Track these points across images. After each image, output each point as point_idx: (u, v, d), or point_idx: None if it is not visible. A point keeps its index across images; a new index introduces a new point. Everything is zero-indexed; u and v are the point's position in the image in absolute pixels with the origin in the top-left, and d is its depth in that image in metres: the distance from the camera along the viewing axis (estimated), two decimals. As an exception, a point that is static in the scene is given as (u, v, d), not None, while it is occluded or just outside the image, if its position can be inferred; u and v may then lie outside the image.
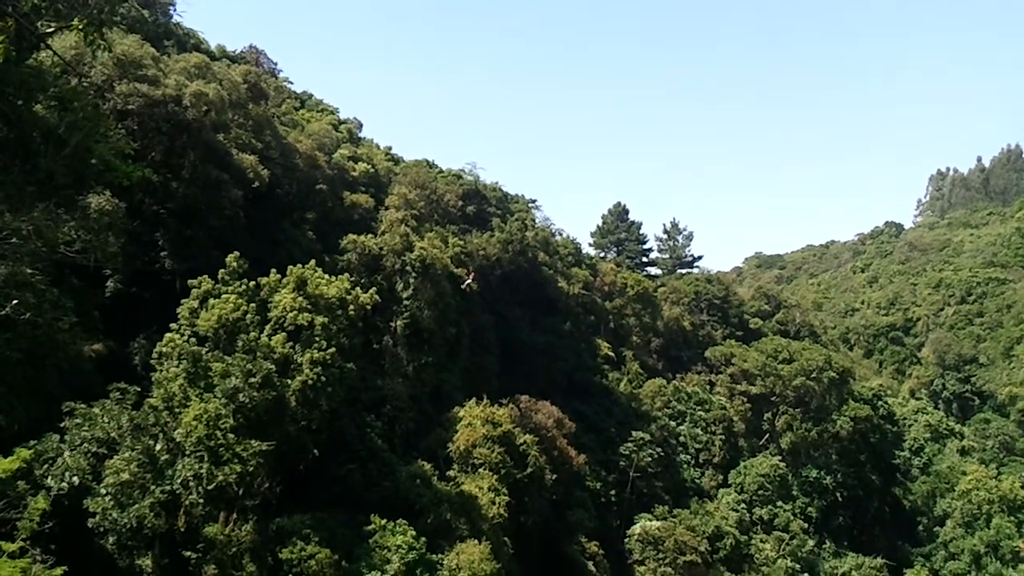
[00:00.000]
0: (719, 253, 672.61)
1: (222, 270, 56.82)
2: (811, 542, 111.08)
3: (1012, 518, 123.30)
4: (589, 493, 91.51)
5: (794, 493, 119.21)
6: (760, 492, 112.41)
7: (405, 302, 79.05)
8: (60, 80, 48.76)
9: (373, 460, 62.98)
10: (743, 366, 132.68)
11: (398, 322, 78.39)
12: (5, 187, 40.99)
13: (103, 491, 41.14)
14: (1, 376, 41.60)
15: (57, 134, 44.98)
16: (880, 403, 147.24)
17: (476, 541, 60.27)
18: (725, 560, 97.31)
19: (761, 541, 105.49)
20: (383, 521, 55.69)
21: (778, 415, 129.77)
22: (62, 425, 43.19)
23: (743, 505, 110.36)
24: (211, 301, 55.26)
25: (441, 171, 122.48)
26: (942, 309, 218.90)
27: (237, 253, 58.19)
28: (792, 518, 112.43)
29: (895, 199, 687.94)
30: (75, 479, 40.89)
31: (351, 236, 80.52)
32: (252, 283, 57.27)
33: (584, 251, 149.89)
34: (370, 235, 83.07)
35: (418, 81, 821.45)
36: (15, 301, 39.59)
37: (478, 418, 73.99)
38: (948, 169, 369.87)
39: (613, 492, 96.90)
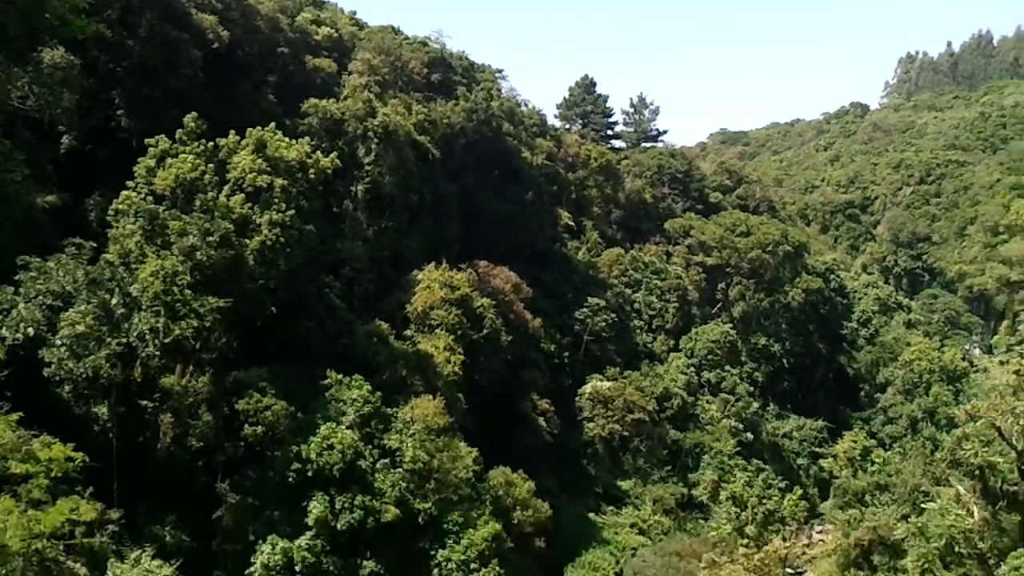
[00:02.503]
0: (684, 129, 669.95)
1: (180, 130, 55.96)
2: (756, 404, 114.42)
3: (950, 387, 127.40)
4: (543, 355, 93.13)
5: (742, 359, 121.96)
6: (709, 357, 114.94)
7: (367, 168, 78.20)
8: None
9: (331, 318, 63.45)
10: (701, 238, 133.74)
11: (359, 187, 77.75)
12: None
13: (58, 342, 41.41)
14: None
15: (7, -14, 43.43)
16: (832, 276, 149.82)
17: (431, 396, 61.53)
18: (671, 419, 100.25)
19: (707, 402, 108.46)
20: (339, 376, 56.58)
21: (732, 285, 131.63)
22: (16, 278, 43.09)
23: (692, 369, 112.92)
24: (168, 161, 54.63)
25: (407, 38, 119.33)
26: (900, 189, 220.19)
27: (195, 113, 57.19)
28: (739, 382, 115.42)
29: (863, 81, 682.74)
30: (30, 330, 41.08)
31: (312, 100, 79.01)
32: (210, 144, 56.42)
33: (549, 123, 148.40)
34: (332, 100, 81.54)
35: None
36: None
37: (437, 281, 74.35)
38: (918, 52, 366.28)
39: (567, 354, 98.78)
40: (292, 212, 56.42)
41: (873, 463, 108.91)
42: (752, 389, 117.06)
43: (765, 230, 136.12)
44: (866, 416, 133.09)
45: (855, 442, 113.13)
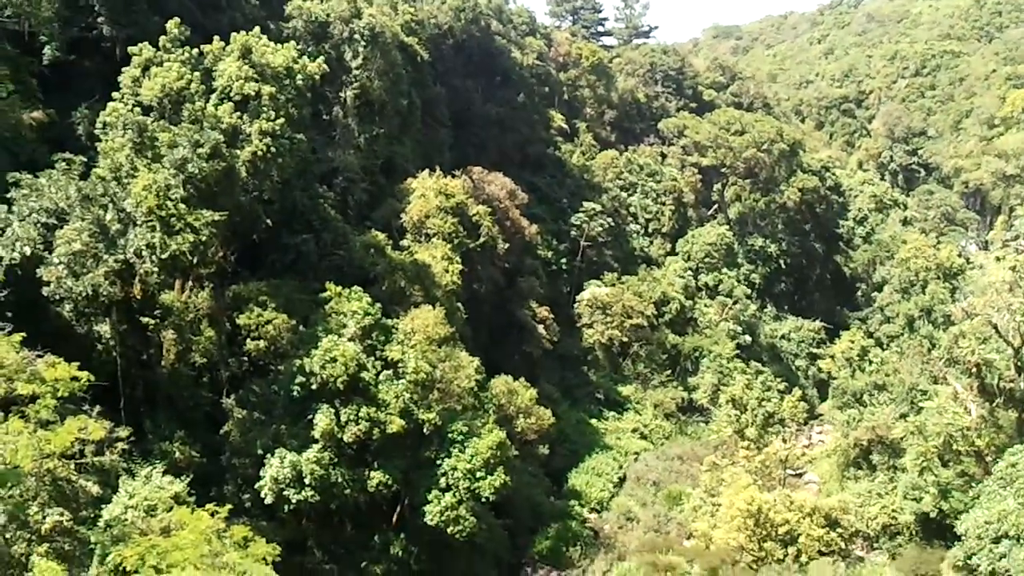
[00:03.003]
0: (676, 24, 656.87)
1: (163, 37, 54.52)
2: (753, 307, 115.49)
3: (947, 284, 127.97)
4: (540, 261, 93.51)
5: (739, 261, 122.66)
6: (706, 260, 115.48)
7: (355, 72, 76.73)
8: None
9: (326, 230, 63.19)
10: (695, 138, 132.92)
11: (348, 93, 76.50)
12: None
13: (56, 260, 41.12)
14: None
15: None
16: (828, 174, 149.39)
17: (430, 307, 61.81)
18: (670, 323, 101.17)
19: (705, 306, 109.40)
20: (338, 288, 56.50)
21: (727, 186, 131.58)
22: (8, 196, 42.63)
23: (689, 272, 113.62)
24: (154, 69, 53.41)
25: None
26: (895, 82, 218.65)
27: (178, 19, 55.66)
28: (736, 284, 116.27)
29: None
30: (26, 249, 40.74)
31: (296, 2, 76.79)
32: (195, 51, 55.20)
33: (539, 20, 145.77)
34: (316, 1, 79.56)
35: None
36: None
37: (431, 189, 73.96)
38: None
39: (564, 260, 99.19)
40: (282, 121, 55.48)
41: (871, 363, 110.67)
42: (749, 291, 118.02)
43: (760, 128, 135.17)
44: (863, 316, 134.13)
45: (852, 342, 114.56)
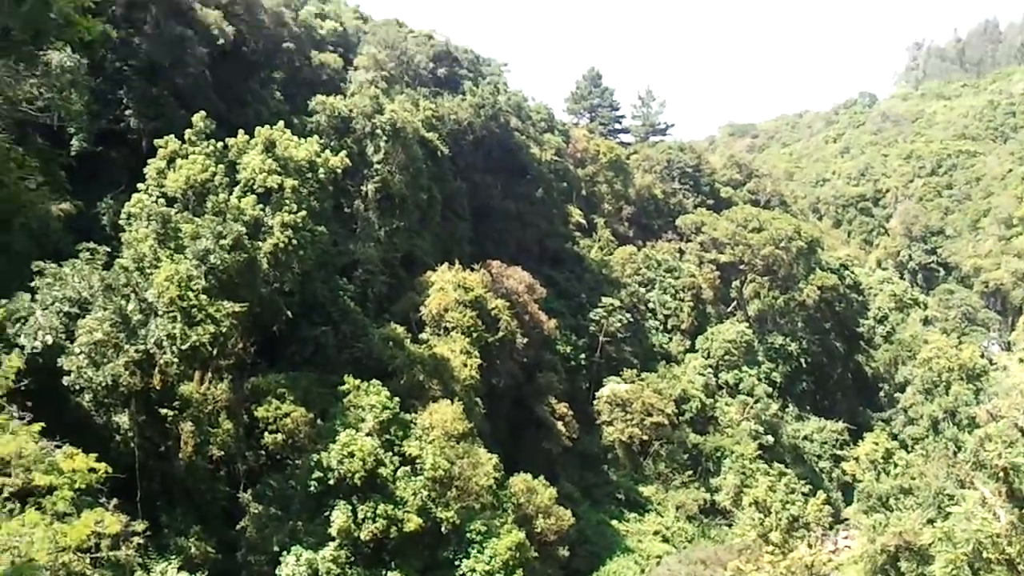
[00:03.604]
0: (692, 122, 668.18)
1: (189, 130, 55.89)
2: (775, 406, 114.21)
3: (970, 386, 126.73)
4: (559, 357, 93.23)
5: (759, 359, 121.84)
6: (726, 357, 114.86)
7: (376, 166, 78.14)
8: (15, -71, 46.59)
9: (346, 322, 63.52)
10: (713, 234, 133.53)
11: (369, 186, 77.69)
12: (-40, 43, 39.56)
13: (77, 350, 41.28)
14: (-33, 236, 41.12)
15: (13, -12, 43.19)
16: (847, 272, 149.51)
17: (449, 401, 61.49)
18: (691, 422, 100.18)
19: (726, 404, 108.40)
20: (357, 382, 56.44)
21: (746, 283, 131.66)
22: (32, 285, 43.01)
23: (709, 369, 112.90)
24: (179, 161, 54.53)
25: (412, 31, 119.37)
26: (912, 181, 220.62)
27: (204, 113, 57.13)
28: (757, 382, 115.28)
29: (872, 70, 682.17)
30: (48, 338, 40.98)
31: (320, 97, 78.88)
32: (220, 144, 56.41)
33: (557, 117, 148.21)
34: (339, 96, 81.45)
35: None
36: (-23, 161, 38.81)
37: (450, 283, 74.41)
38: (925, 40, 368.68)
39: (583, 356, 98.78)
40: (303, 213, 56.30)
41: (896, 465, 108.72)
42: (771, 390, 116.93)
43: (778, 225, 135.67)
44: (886, 417, 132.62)
45: (876, 444, 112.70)
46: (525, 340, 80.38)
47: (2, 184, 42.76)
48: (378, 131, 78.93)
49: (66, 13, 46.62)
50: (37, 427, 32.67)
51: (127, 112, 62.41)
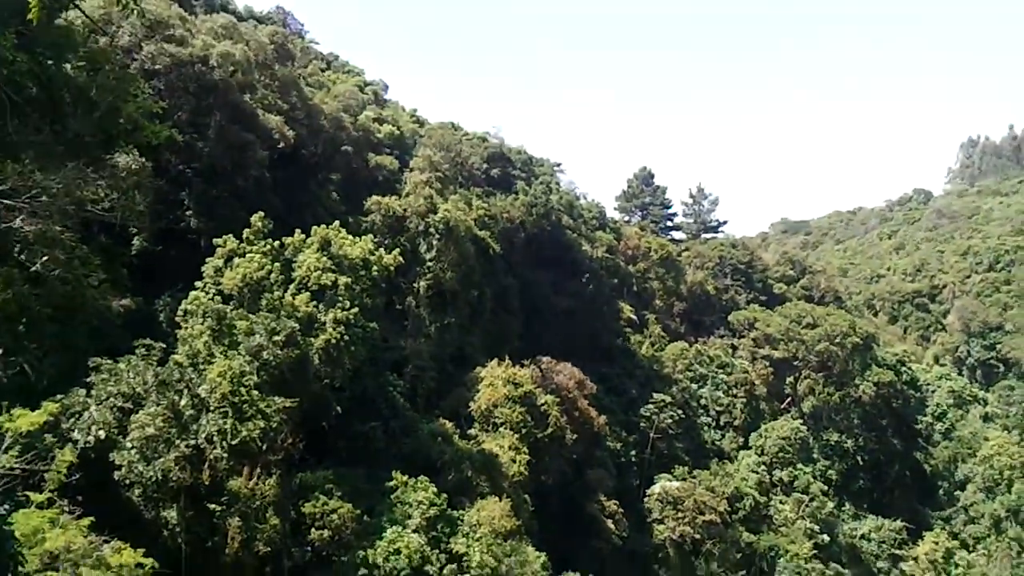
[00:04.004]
0: (744, 219, 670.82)
1: (247, 229, 57.21)
2: (831, 504, 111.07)
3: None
4: (609, 453, 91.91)
5: (814, 456, 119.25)
6: (780, 455, 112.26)
7: (428, 263, 79.11)
8: (89, 40, 48.77)
9: (395, 418, 63.49)
10: (766, 330, 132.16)
11: (421, 283, 78.52)
12: (36, 147, 41.08)
13: (129, 444, 41.72)
14: (30, 331, 41.91)
15: (87, 95, 44.91)
16: (904, 369, 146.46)
17: (497, 498, 60.85)
18: (744, 520, 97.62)
19: (780, 503, 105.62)
20: (405, 477, 56.18)
21: (800, 379, 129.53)
22: (88, 380, 43.72)
23: (763, 467, 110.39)
24: (236, 260, 55.70)
25: (466, 134, 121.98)
26: (969, 276, 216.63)
27: (262, 213, 58.51)
28: (812, 480, 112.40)
29: (925, 167, 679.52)
30: (101, 433, 41.43)
31: (375, 197, 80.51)
32: (277, 243, 57.63)
33: (608, 215, 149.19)
34: (394, 197, 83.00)
35: (444, 43, 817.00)
36: (45, 258, 39.90)
37: (500, 378, 74.22)
38: (979, 137, 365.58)
39: (633, 453, 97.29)
40: (356, 310, 56.87)
41: (957, 566, 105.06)
42: (826, 488, 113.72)
43: (832, 321, 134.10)
44: (946, 515, 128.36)
45: (936, 543, 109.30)
46: (575, 436, 79.52)
47: (66, 281, 43.68)
48: (431, 229, 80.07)
49: (135, 119, 48.31)
50: (86, 521, 32.85)
51: (188, 212, 64.25)
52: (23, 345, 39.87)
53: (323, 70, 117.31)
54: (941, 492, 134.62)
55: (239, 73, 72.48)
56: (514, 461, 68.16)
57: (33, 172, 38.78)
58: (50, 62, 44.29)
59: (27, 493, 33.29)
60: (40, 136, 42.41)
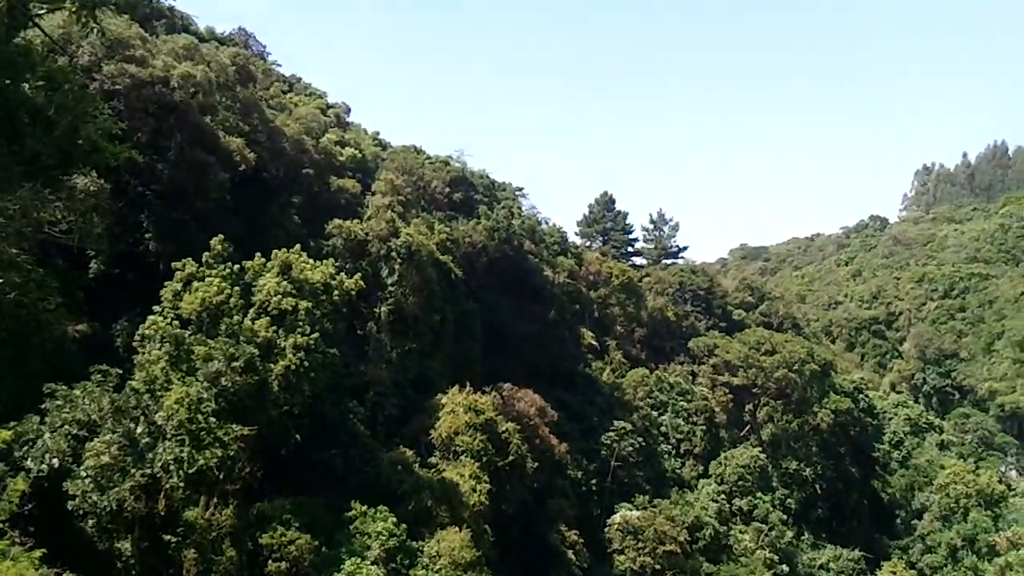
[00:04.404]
0: (704, 244, 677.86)
1: (206, 253, 56.57)
2: (790, 533, 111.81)
3: (989, 512, 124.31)
4: (570, 482, 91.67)
5: (774, 484, 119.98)
6: (740, 483, 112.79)
7: (390, 288, 78.79)
8: (48, 59, 48.22)
9: (355, 446, 63.04)
10: (726, 357, 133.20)
11: (383, 308, 78.19)
12: (-8, 167, 40.51)
13: (83, 474, 41.06)
14: (-17, 356, 41.30)
15: (45, 115, 44.36)
16: (861, 396, 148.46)
17: (457, 528, 60.44)
18: (704, 550, 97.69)
19: (740, 532, 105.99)
20: (364, 507, 55.77)
21: (759, 407, 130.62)
22: (43, 406, 43.02)
23: (723, 496, 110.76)
24: (195, 284, 55.06)
25: (429, 157, 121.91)
26: (924, 304, 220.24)
27: (222, 236, 57.91)
28: (771, 509, 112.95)
29: (881, 193, 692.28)
30: (55, 461, 40.83)
31: (337, 221, 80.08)
32: (237, 266, 57.04)
33: (570, 240, 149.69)
34: (356, 220, 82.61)
35: (406, 67, 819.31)
36: (0, 280, 39.24)
37: (461, 405, 73.84)
38: (934, 164, 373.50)
39: (594, 481, 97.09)
40: (316, 335, 56.47)
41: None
42: (785, 517, 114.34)
43: (790, 348, 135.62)
44: (904, 544, 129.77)
45: (894, 573, 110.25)
46: (536, 465, 79.28)
47: (21, 304, 43.01)
48: (393, 254, 79.85)
49: (93, 140, 47.78)
50: (38, 553, 32.19)
51: (147, 236, 63.49)
52: (-25, 371, 39.25)
53: (285, 92, 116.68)
54: (898, 521, 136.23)
55: (200, 94, 71.91)
56: (474, 490, 67.72)
57: (-12, 194, 38.25)
58: (7, 81, 43.79)
59: (-23, 524, 32.69)
60: (-4, 157, 41.88)
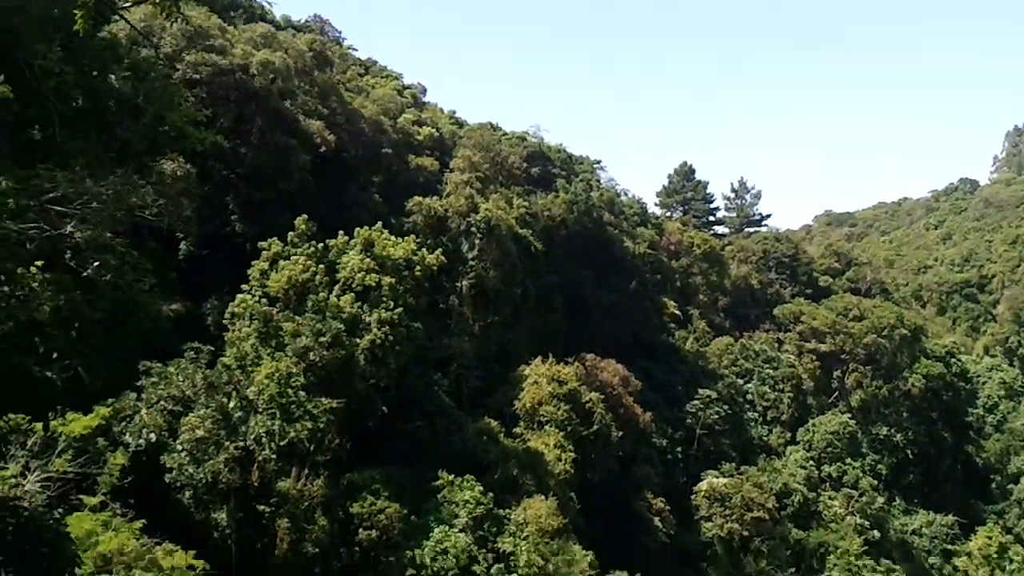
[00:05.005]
0: (788, 212, 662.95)
1: (291, 232, 57.68)
2: (881, 499, 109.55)
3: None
4: (655, 450, 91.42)
5: (864, 451, 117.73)
6: (829, 449, 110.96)
7: (471, 263, 79.35)
8: (133, 51, 49.48)
9: (441, 417, 63.56)
10: (812, 324, 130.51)
11: (464, 282, 78.79)
12: (85, 155, 41.69)
13: (179, 447, 42.31)
14: (83, 336, 42.47)
15: (133, 104, 45.51)
16: (953, 361, 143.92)
17: (543, 496, 60.68)
18: (793, 516, 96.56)
19: (829, 498, 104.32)
20: (451, 477, 56.26)
21: (848, 373, 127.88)
22: (139, 384, 44.36)
23: (811, 462, 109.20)
24: (281, 263, 56.16)
25: (505, 134, 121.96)
26: (1018, 266, 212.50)
27: (305, 216, 58.98)
28: (861, 475, 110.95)
29: (971, 155, 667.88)
30: (152, 436, 42.10)
31: (416, 198, 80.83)
32: (320, 245, 57.98)
33: (650, 211, 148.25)
34: (435, 197, 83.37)
35: (482, 44, 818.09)
36: (97, 263, 40.30)
37: (544, 376, 74.15)
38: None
39: (679, 449, 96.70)
40: (400, 310, 56.96)
41: (1011, 560, 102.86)
42: (876, 483, 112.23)
43: (879, 313, 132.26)
44: (999, 509, 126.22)
45: (990, 538, 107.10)
46: (620, 433, 79.19)
47: (118, 287, 44.20)
48: (473, 229, 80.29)
49: (179, 127, 48.87)
50: (138, 524, 33.33)
51: (233, 217, 64.99)
52: (76, 350, 40.51)
53: (361, 75, 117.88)
54: (994, 486, 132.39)
55: (279, 80, 73.19)
56: (559, 459, 67.99)
57: (83, 180, 39.27)
58: (96, 73, 45.02)
59: (81, 496, 33.87)
60: (88, 144, 43.06)
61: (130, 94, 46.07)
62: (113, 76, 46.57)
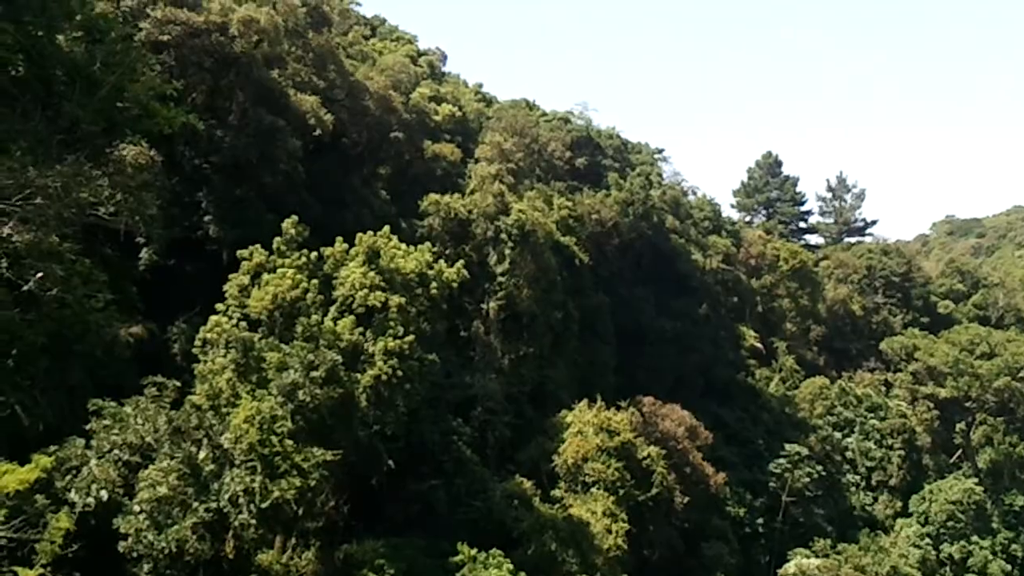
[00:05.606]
0: (899, 217, 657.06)
1: (277, 238, 57.72)
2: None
3: None
4: (730, 521, 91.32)
5: (994, 526, 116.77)
6: (950, 523, 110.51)
7: (500, 279, 79.38)
8: (86, 6, 49.64)
9: (460, 474, 63.70)
10: (929, 362, 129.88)
11: (491, 303, 78.84)
12: (26, 137, 41.69)
13: (136, 508, 42.30)
14: (22, 365, 42.41)
15: (86, 72, 45.58)
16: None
17: (588, 579, 60.66)
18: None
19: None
20: (473, 551, 56.24)
21: (974, 425, 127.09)
22: (88, 428, 44.46)
23: (928, 540, 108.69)
24: (265, 276, 56.23)
25: (544, 114, 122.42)
26: None
27: (295, 218, 58.99)
28: (991, 557, 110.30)
29: None
30: (103, 493, 42.09)
31: (433, 196, 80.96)
32: (314, 254, 58.06)
33: (725, 215, 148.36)
34: (456, 195, 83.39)
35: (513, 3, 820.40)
36: (39, 274, 40.33)
37: (590, 424, 74.13)
38: None
39: (760, 521, 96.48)
40: (411, 338, 56.96)
41: None
42: (1009, 568, 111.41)
43: (1014, 350, 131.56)
44: None
45: None
46: (686, 499, 79.09)
47: (64, 303, 44.28)
48: (503, 236, 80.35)
49: (142, 102, 49.05)
50: (87, 604, 33.53)
51: (206, 218, 65.27)
52: (13, 383, 40.68)
53: (367, 38, 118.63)
54: None
55: (265, 43, 73.47)
56: (609, 531, 67.98)
57: (23, 168, 39.39)
58: (40, 33, 45.26)
59: (15, 569, 34.11)
60: (31, 124, 43.29)
61: (82, 60, 46.35)
62: (61, 37, 46.90)
